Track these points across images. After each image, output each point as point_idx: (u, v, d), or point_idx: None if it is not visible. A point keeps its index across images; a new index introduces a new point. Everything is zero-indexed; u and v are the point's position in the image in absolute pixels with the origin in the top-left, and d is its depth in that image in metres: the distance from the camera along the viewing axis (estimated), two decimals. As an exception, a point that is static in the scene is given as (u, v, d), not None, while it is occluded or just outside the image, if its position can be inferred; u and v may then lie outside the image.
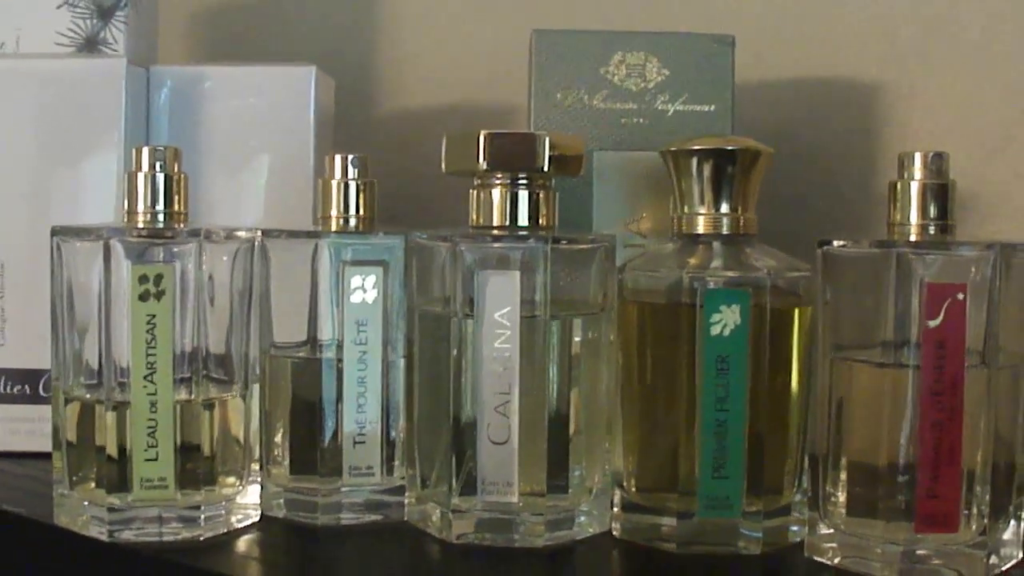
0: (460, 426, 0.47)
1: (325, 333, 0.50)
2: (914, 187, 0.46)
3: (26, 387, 0.58)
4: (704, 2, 0.66)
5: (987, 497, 0.44)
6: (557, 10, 0.70)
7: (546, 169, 0.48)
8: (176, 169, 0.49)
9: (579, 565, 0.47)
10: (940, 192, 0.46)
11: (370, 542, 0.49)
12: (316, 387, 0.50)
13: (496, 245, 0.48)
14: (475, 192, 0.49)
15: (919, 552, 0.44)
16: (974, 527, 0.44)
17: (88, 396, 0.48)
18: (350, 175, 0.52)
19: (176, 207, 0.49)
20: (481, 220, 0.49)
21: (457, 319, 0.47)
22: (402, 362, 0.51)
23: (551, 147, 0.48)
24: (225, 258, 0.49)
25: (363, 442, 0.50)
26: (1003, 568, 0.45)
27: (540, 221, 0.49)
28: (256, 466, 0.51)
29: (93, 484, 0.48)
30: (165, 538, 0.47)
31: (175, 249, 0.48)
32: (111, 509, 0.47)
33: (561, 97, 0.55)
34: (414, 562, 0.48)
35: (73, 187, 0.58)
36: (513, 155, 0.48)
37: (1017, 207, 0.59)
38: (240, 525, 0.50)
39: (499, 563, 0.47)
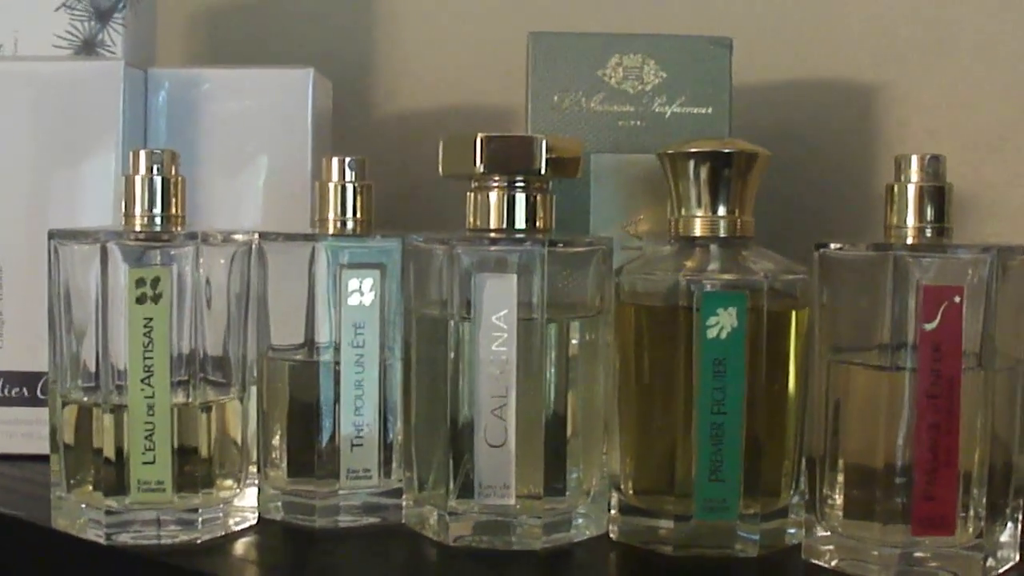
0: (457, 429, 0.47)
1: (322, 336, 0.50)
2: (911, 190, 0.46)
3: (24, 390, 0.58)
4: (701, 4, 0.66)
5: (984, 499, 0.44)
6: (555, 12, 0.70)
7: (543, 172, 0.48)
8: (173, 172, 0.49)
9: (576, 567, 0.47)
10: (937, 194, 0.46)
11: (367, 545, 0.49)
12: (313, 390, 0.50)
13: (493, 248, 0.48)
14: (472, 195, 0.49)
15: (916, 554, 0.44)
16: (971, 529, 0.44)
17: (85, 399, 0.48)
18: (347, 178, 0.52)
19: (173, 210, 0.49)
20: (478, 223, 0.49)
21: (454, 322, 0.47)
22: (399, 365, 0.51)
23: (548, 150, 0.48)
24: (222, 261, 0.49)
25: (360, 445, 0.50)
26: (1000, 570, 0.45)
27: (537, 224, 0.49)
28: (254, 469, 0.51)
29: (91, 487, 0.48)
30: (163, 541, 0.47)
31: (172, 252, 0.48)
32: (109, 512, 0.47)
33: (558, 100, 0.55)
34: (411, 565, 0.48)
35: (71, 189, 0.58)
36: (510, 158, 0.48)
37: (1015, 209, 0.59)
38: (238, 528, 0.50)
39: (496, 566, 0.47)
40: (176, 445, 0.47)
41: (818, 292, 0.46)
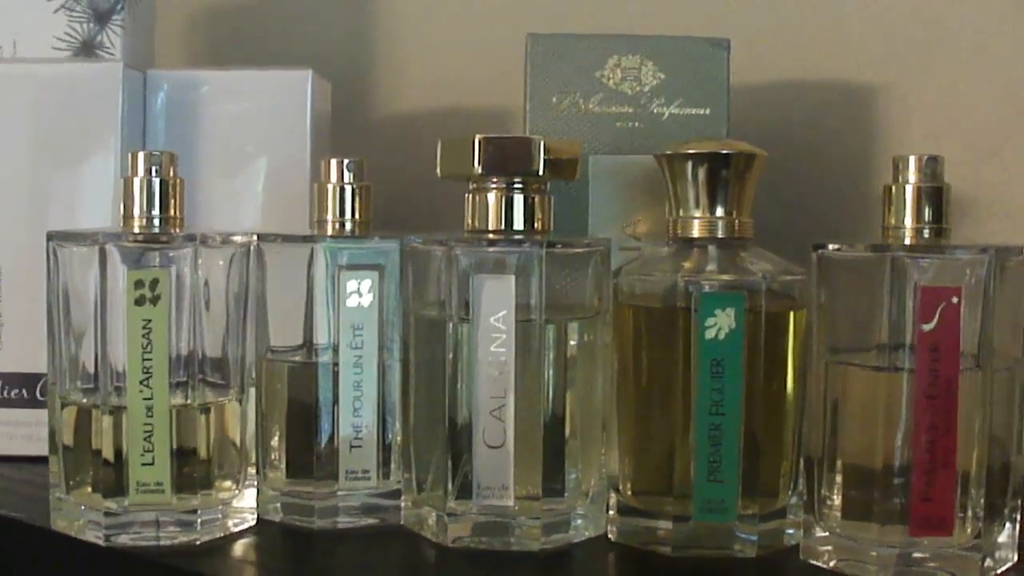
0: (456, 430, 0.47)
1: (321, 337, 0.50)
2: (908, 190, 0.46)
3: (23, 391, 0.58)
4: (699, 5, 0.66)
5: (982, 500, 0.44)
6: (553, 13, 0.70)
7: (541, 173, 0.48)
8: (172, 174, 0.50)
9: (575, 568, 0.47)
10: (935, 195, 0.46)
11: (366, 546, 0.49)
12: (312, 391, 0.50)
13: (491, 249, 0.48)
14: (470, 196, 0.49)
15: (914, 555, 0.44)
16: (969, 530, 0.44)
17: (84, 400, 0.48)
18: (346, 179, 0.52)
19: (172, 212, 0.49)
20: (476, 224, 0.49)
21: (453, 323, 0.47)
22: (398, 366, 0.51)
23: (546, 151, 0.48)
24: (221, 262, 0.49)
25: (359, 446, 0.50)
26: (998, 571, 0.45)
27: (535, 225, 0.49)
28: (252, 470, 0.51)
29: (90, 488, 0.48)
30: (162, 542, 0.47)
31: (171, 254, 0.48)
32: (108, 513, 0.47)
33: (556, 101, 0.55)
34: (410, 566, 0.48)
35: (70, 191, 0.58)
36: (508, 159, 0.48)
37: (1013, 209, 0.59)
38: (236, 529, 0.50)
39: (495, 566, 0.47)
40: (175, 446, 0.47)
41: (816, 293, 0.46)
